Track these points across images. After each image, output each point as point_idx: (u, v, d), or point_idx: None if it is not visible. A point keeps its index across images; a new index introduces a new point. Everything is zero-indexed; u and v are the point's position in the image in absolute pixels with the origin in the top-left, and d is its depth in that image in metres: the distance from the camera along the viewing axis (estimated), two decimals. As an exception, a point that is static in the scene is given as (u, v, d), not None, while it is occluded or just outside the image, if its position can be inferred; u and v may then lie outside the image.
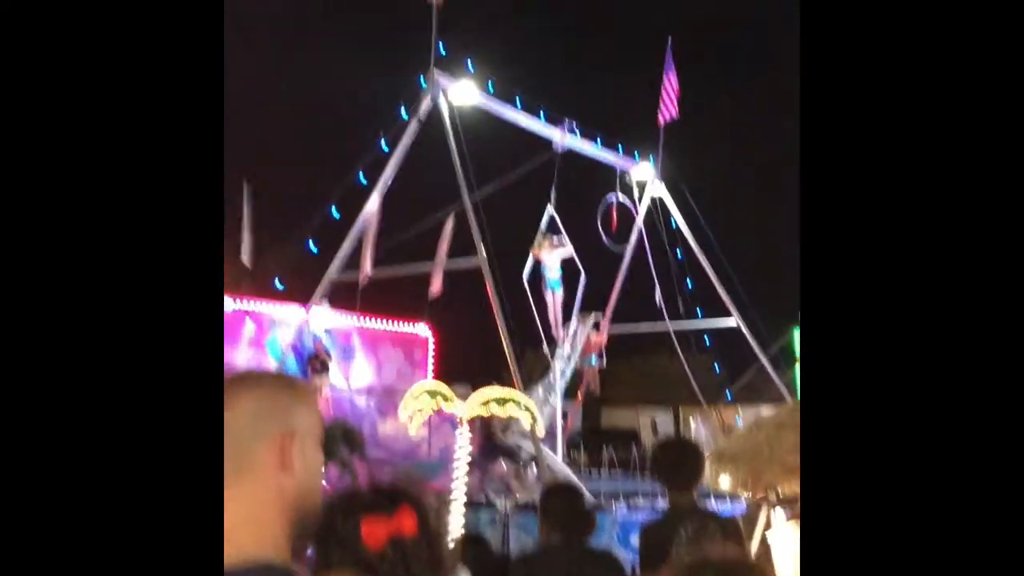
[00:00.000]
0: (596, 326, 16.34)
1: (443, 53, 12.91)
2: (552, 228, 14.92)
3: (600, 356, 16.39)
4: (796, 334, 19.63)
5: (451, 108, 12.84)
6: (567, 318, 15.44)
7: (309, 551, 1.70)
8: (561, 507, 3.63)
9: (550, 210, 14.76)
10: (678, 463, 3.76)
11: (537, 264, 14.73)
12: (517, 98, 14.18)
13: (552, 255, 14.58)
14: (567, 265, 14.94)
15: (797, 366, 19.50)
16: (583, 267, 15.11)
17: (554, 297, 14.85)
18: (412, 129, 13.03)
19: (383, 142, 13.14)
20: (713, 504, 7.72)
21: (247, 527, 1.29)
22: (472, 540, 5.30)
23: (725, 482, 5.11)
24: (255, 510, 1.31)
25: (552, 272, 14.69)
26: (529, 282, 14.68)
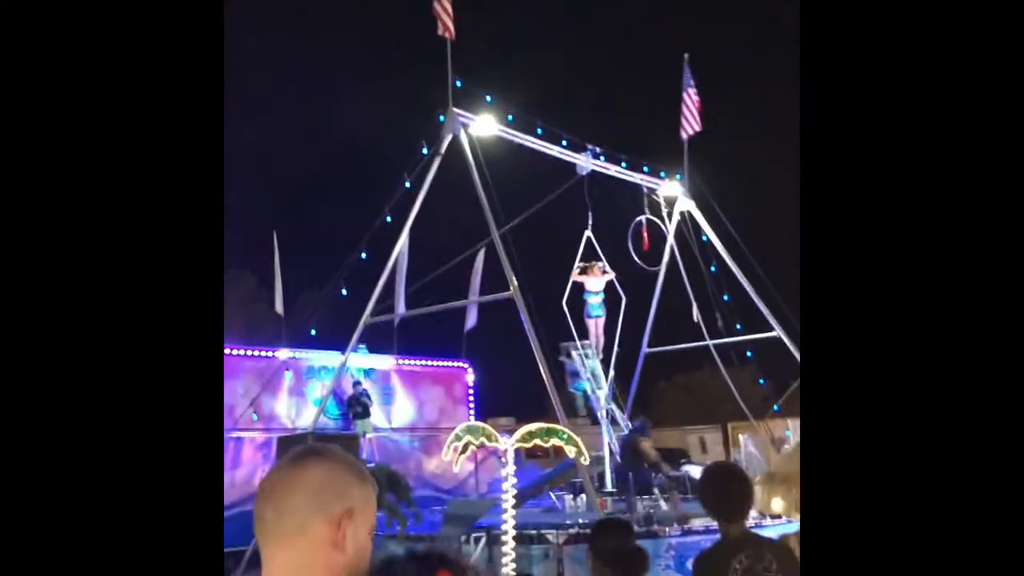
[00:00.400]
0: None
1: (459, 85, 12.99)
2: (590, 253, 15.04)
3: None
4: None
5: (472, 142, 12.89)
6: (609, 342, 15.42)
7: None
8: (611, 544, 3.56)
9: (588, 235, 14.88)
10: (726, 493, 3.65)
11: (576, 289, 14.77)
12: (538, 129, 14.22)
13: (600, 281, 14.74)
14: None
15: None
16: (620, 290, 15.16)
17: (596, 323, 14.88)
18: (434, 166, 13.08)
19: (407, 182, 13.21)
20: (769, 525, 7.52)
21: None
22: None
23: (777, 505, 4.95)
24: None
25: (595, 298, 14.75)
26: (569, 307, 14.79)
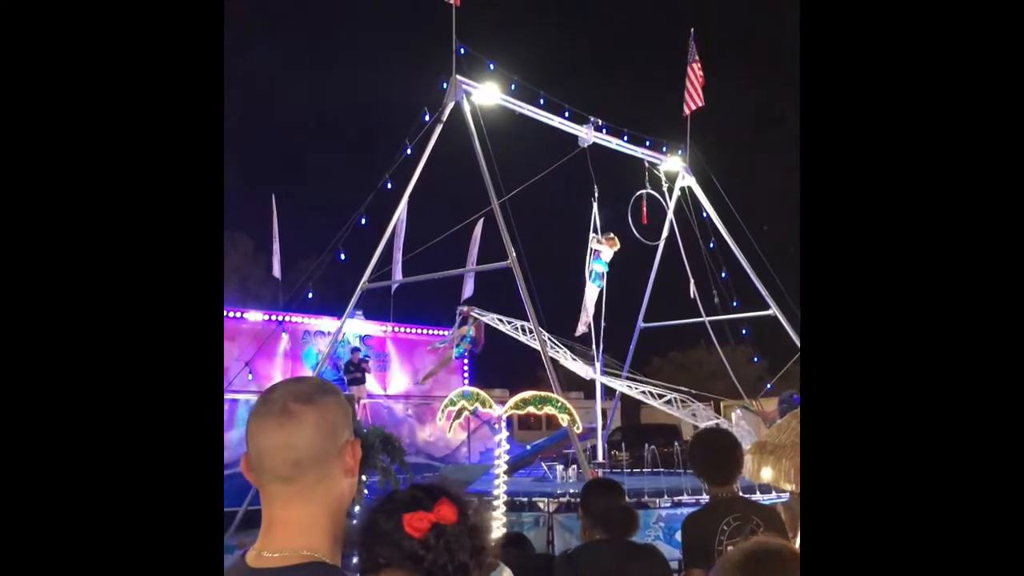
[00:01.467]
0: None
1: (463, 52, 12.88)
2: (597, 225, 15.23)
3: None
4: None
5: (474, 111, 12.82)
6: (598, 313, 15.59)
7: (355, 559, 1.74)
8: (602, 504, 3.59)
9: (595, 208, 15.04)
10: (715, 456, 3.69)
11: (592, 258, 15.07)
12: (541, 98, 14.13)
13: (611, 252, 15.03)
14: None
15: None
16: (617, 262, 15.43)
17: (591, 290, 15.03)
18: (435, 133, 13.01)
19: (408, 148, 13.14)
20: (758, 496, 7.59)
21: (305, 529, 1.36)
22: (514, 539, 5.26)
23: (767, 475, 4.99)
24: (317, 512, 1.38)
25: (597, 265, 14.94)
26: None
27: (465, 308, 15.61)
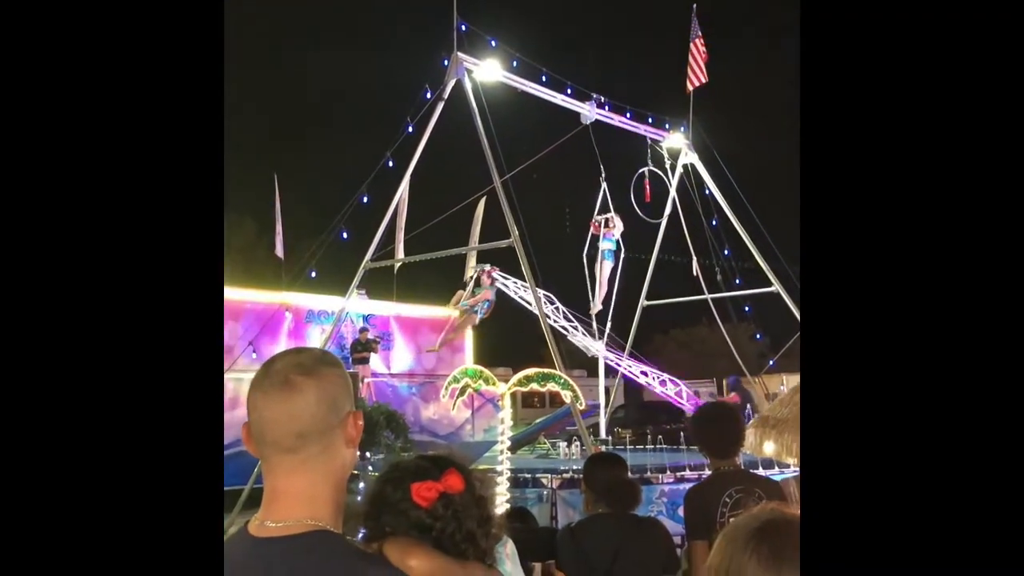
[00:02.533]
0: None
1: (463, 29, 12.79)
2: (605, 203, 15.27)
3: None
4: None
5: (476, 88, 12.75)
6: (610, 291, 15.69)
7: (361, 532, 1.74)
8: (605, 477, 3.61)
9: (604, 186, 15.10)
10: (716, 430, 3.70)
11: (594, 239, 15.01)
12: (543, 75, 14.05)
13: (614, 232, 15.21)
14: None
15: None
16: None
17: (604, 268, 15.12)
18: (437, 110, 12.95)
19: (410, 126, 13.09)
20: (760, 471, 7.64)
21: (308, 499, 1.36)
22: (518, 514, 5.29)
23: (769, 448, 5.01)
24: (320, 482, 1.38)
25: (607, 243, 15.00)
26: (588, 257, 15.15)
27: (487, 267, 15.49)
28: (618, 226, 15.36)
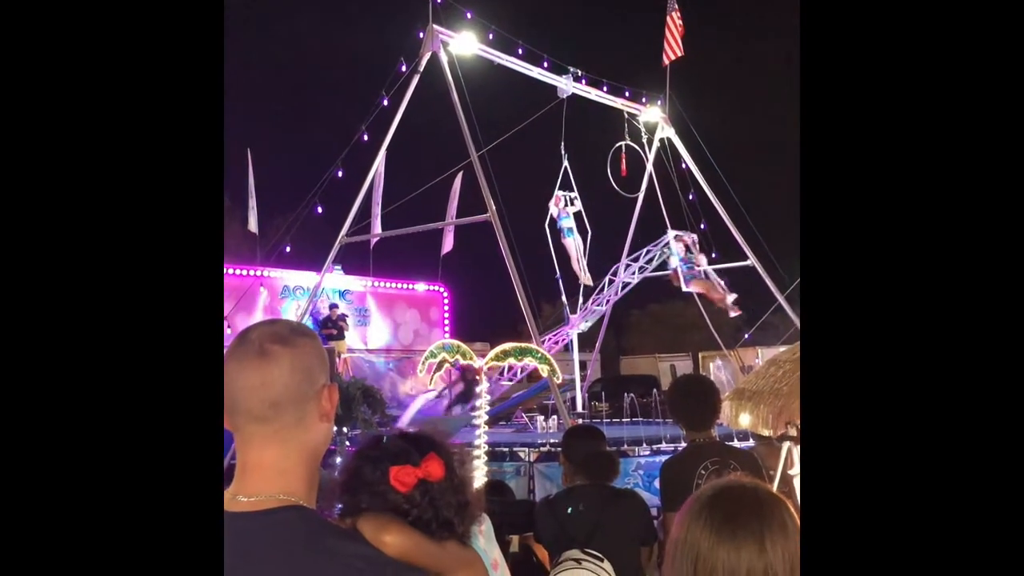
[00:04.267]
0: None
1: (439, 1, 12.65)
2: (565, 182, 15.22)
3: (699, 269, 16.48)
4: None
5: (451, 60, 12.63)
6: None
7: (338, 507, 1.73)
8: (583, 449, 3.63)
9: (566, 164, 15.05)
10: (693, 402, 3.73)
11: (553, 219, 15.08)
12: (519, 48, 13.95)
13: (569, 210, 15.20)
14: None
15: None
16: (595, 215, 15.62)
17: (575, 243, 15.12)
18: (412, 83, 12.82)
19: (385, 99, 12.96)
20: (735, 443, 7.72)
21: (281, 472, 1.34)
22: (495, 487, 5.33)
23: (745, 420, 5.05)
24: (293, 455, 1.36)
25: (567, 221, 14.97)
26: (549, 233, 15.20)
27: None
28: (575, 204, 15.35)
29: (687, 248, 16.28)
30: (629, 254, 17.98)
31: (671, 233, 16.25)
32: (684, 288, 16.19)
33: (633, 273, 16.89)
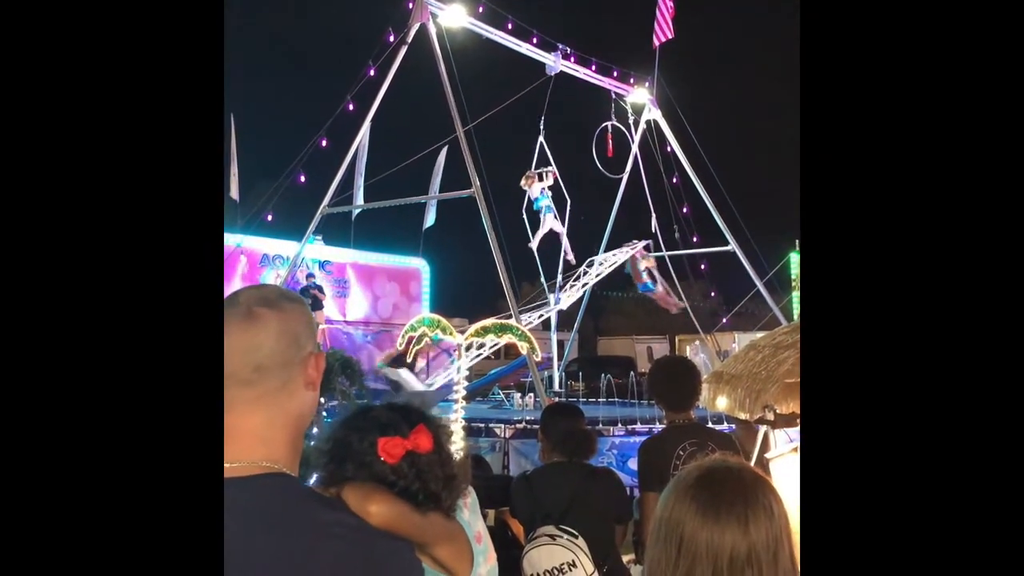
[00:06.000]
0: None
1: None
2: (541, 158, 15.13)
3: (655, 280, 17.02)
4: (793, 259, 19.62)
5: (440, 33, 12.51)
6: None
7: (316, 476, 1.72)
8: (561, 427, 3.64)
9: (541, 140, 14.91)
10: (673, 383, 3.74)
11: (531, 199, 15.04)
12: (509, 22, 13.83)
13: (535, 188, 14.91)
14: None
15: (794, 292, 19.58)
16: (578, 194, 15.50)
17: (549, 221, 15.07)
18: (400, 54, 12.69)
19: (371, 69, 12.82)
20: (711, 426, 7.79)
21: (265, 439, 1.32)
22: (472, 461, 5.35)
23: (723, 403, 5.09)
24: (276, 421, 1.34)
25: (544, 200, 14.91)
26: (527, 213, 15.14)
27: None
28: (547, 180, 15.28)
29: (649, 272, 16.90)
30: (611, 233, 18.04)
31: (636, 250, 16.71)
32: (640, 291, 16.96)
33: (599, 275, 17.02)
